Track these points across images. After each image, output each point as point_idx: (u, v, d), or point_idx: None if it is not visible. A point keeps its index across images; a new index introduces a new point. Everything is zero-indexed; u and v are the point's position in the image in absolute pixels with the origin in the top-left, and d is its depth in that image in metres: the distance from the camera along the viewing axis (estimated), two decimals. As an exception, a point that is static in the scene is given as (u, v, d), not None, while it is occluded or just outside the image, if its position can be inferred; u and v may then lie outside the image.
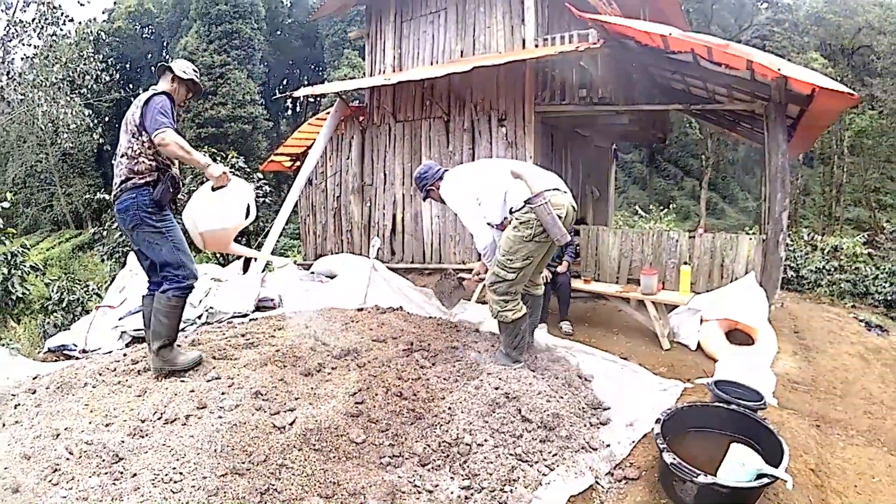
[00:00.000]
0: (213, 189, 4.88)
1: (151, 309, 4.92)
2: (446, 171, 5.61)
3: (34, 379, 5.44)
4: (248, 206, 4.99)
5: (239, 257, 12.45)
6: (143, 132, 4.72)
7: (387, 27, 11.71)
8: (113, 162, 5.02)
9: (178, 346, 5.07)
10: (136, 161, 4.74)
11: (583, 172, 12.92)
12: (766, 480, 3.29)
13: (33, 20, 25.98)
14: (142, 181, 4.72)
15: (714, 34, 7.43)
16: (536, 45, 9.74)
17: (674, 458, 3.40)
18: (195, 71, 5.24)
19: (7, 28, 25.57)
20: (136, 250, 5.13)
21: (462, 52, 10.78)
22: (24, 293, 10.61)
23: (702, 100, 9.73)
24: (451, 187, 5.40)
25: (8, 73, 26.53)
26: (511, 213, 5.08)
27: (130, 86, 34.22)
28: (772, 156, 7.58)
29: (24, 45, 26.71)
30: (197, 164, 4.79)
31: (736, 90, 8.31)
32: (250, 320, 7.35)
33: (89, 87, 25.94)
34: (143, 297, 5.08)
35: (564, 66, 9.63)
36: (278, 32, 50.83)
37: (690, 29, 7.97)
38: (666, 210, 21.56)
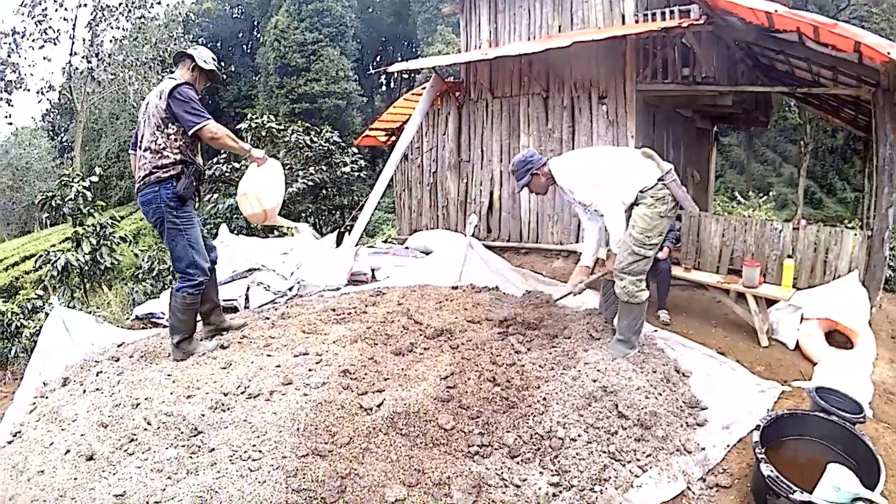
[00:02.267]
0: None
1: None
2: (548, 159, 5.53)
3: (119, 346, 5.60)
4: None
5: (333, 230, 12.66)
6: (170, 124, 4.77)
7: (482, 2, 11.51)
8: (132, 153, 5.11)
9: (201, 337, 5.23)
10: (160, 155, 4.80)
11: (684, 155, 12.47)
12: (861, 504, 3.12)
13: (120, 4, 26.79)
14: (166, 175, 4.79)
15: (812, 13, 7.04)
16: (637, 21, 9.41)
17: (771, 471, 3.31)
18: (215, 60, 5.25)
19: (94, 13, 26.40)
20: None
21: (560, 27, 10.49)
22: (112, 263, 10.95)
23: (806, 82, 9.26)
24: (580, 178, 5.30)
25: (97, 54, 27.45)
26: (642, 192, 5.07)
27: (222, 63, 34.98)
28: (879, 146, 7.11)
29: (112, 28, 27.59)
30: (243, 150, 5.10)
31: (842, 73, 7.84)
32: (342, 294, 7.41)
33: (180, 65, 26.73)
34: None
35: (666, 43, 9.26)
36: (369, 10, 51.01)
37: (791, 7, 7.58)
38: (764, 197, 20.90)
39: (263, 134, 15.02)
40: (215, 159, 14.89)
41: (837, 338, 6.60)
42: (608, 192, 5.12)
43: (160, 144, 4.78)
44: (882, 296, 8.55)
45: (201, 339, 5.30)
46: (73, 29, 27.60)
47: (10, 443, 4.08)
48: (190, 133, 4.73)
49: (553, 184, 5.45)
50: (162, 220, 4.86)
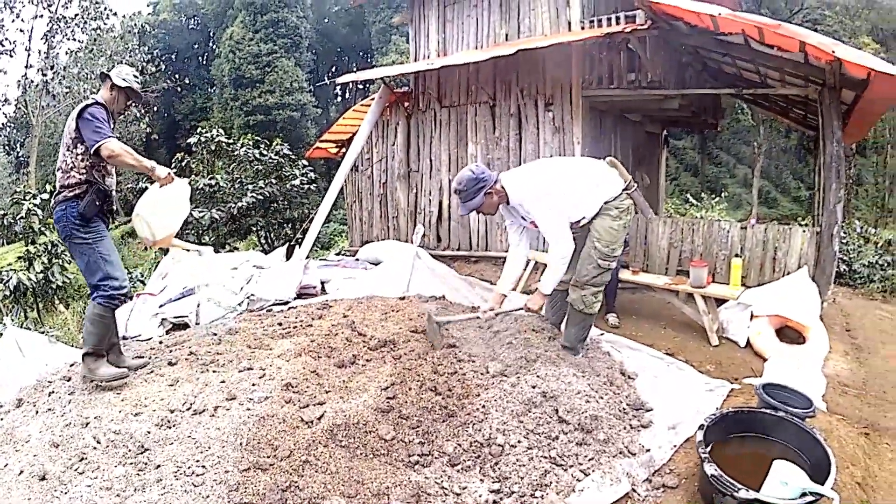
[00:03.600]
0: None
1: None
2: (499, 174, 5.11)
3: (71, 366, 5.56)
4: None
5: (283, 244, 12.56)
6: (78, 144, 4.75)
7: (430, 12, 11.54)
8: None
9: (105, 357, 4.94)
10: (68, 175, 4.80)
11: (632, 159, 12.53)
12: (810, 498, 3.11)
13: (76, 16, 26.54)
14: (71, 194, 4.76)
15: (763, 16, 7.11)
16: (583, 28, 9.48)
17: (715, 470, 3.26)
18: (136, 77, 5.13)
19: (50, 24, 26.10)
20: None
21: (507, 35, 10.55)
22: (64, 282, 10.78)
23: (754, 84, 9.36)
24: (531, 187, 4.90)
25: (52, 66, 27.15)
26: (607, 203, 4.99)
27: (177, 76, 34.96)
28: (826, 144, 7.21)
29: (68, 39, 27.33)
30: (144, 168, 4.95)
31: (789, 74, 7.92)
32: (290, 308, 7.41)
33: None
34: None
35: (612, 49, 9.35)
36: (325, 20, 51.36)
37: (741, 10, 7.65)
38: (718, 198, 21.16)
39: (213, 148, 14.86)
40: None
41: (789, 334, 6.66)
42: (561, 217, 4.86)
43: (69, 164, 4.78)
44: (835, 290, 8.67)
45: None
46: (30, 41, 27.27)
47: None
48: (91, 151, 4.68)
49: (505, 201, 5.04)
50: (70, 237, 4.83)
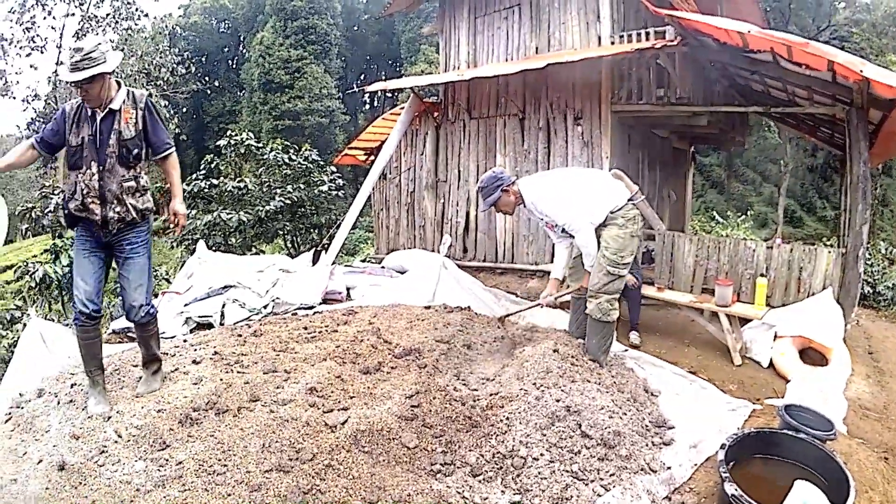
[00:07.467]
0: None
1: None
2: (517, 178, 5.56)
3: None
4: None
5: (310, 248, 12.62)
6: None
7: (461, 23, 11.64)
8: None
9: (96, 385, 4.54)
10: None
11: (660, 175, 12.55)
12: (828, 521, 3.10)
13: (108, 15, 26.76)
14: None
15: (792, 34, 7.06)
16: (612, 43, 9.49)
17: (735, 490, 3.27)
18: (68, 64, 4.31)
19: (81, 22, 26.35)
20: None
21: (537, 48, 10.58)
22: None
23: (781, 102, 9.34)
24: (541, 189, 5.36)
25: (82, 64, 27.27)
26: (613, 212, 5.17)
27: (207, 78, 35.20)
28: (853, 164, 7.16)
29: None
30: None
31: (816, 93, 7.86)
32: (315, 313, 7.44)
33: (165, 79, 26.90)
34: None
35: (641, 64, 9.37)
36: (355, 28, 51.83)
37: (769, 28, 7.63)
38: (743, 216, 21.01)
39: (242, 151, 15.02)
40: (193, 175, 14.84)
41: (812, 355, 6.60)
42: (578, 211, 5.15)
43: None
44: (859, 312, 8.60)
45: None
46: (61, 38, 27.50)
47: (-16, 451, 4.12)
48: None
49: (521, 203, 5.47)
50: None
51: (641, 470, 3.87)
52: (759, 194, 32.56)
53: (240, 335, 6.14)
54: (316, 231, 15.74)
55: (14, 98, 28.13)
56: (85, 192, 4.34)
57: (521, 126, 10.58)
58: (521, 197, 5.41)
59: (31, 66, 29.04)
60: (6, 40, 26.59)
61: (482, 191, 5.47)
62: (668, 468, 3.96)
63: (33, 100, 29.82)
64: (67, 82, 4.63)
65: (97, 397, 4.42)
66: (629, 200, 5.20)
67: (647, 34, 8.87)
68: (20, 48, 26.92)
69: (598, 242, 5.19)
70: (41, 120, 31.61)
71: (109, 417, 4.09)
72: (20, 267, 10.88)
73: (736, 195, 32.28)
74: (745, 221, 20.45)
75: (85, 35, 26.75)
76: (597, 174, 5.83)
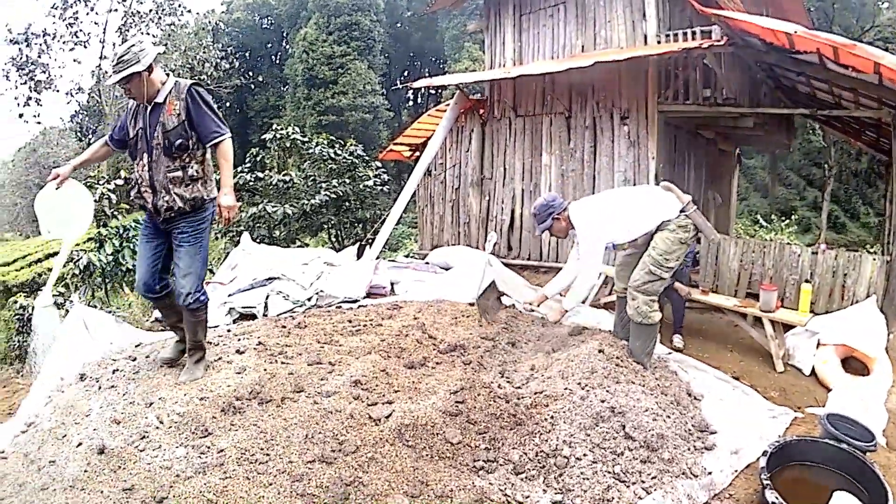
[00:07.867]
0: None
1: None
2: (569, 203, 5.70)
3: (136, 346, 5.73)
4: None
5: (354, 243, 12.73)
6: None
7: (506, 20, 11.65)
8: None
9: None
10: None
11: (705, 177, 12.46)
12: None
13: (151, 10, 27.08)
14: None
15: (836, 35, 6.97)
16: (658, 42, 9.45)
17: (776, 498, 3.30)
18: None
19: (124, 18, 26.67)
20: None
21: (583, 46, 10.56)
22: (134, 265, 11.06)
23: (827, 105, 9.22)
24: (585, 213, 5.50)
25: (126, 59, 27.56)
26: (665, 222, 5.27)
27: (250, 73, 35.50)
28: (898, 170, 7.11)
29: (142, 33, 27.86)
30: None
31: (862, 95, 7.77)
32: (359, 307, 7.48)
33: (209, 73, 27.16)
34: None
35: (687, 64, 9.34)
36: (398, 25, 51.93)
37: (813, 28, 7.55)
38: (787, 221, 20.76)
39: (288, 145, 15.17)
40: (238, 168, 15.00)
41: (854, 364, 6.49)
42: (599, 244, 5.37)
43: None
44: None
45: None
46: (104, 33, 27.83)
47: (24, 432, 4.22)
48: None
49: (571, 228, 5.58)
50: None
51: (683, 474, 3.85)
52: (803, 198, 32.05)
53: (284, 326, 6.19)
54: (360, 226, 15.83)
55: (58, 91, 28.49)
56: (139, 181, 4.64)
57: (567, 124, 10.60)
58: (571, 222, 5.55)
59: (74, 61, 29.42)
60: (49, 35, 26.93)
61: (535, 217, 5.66)
62: (709, 473, 3.94)
63: (77, 93, 30.31)
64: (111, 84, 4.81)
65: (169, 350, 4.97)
66: (681, 211, 5.26)
67: (693, 33, 8.81)
68: (63, 43, 27.26)
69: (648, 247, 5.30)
70: (84, 113, 32.06)
71: (152, 403, 4.16)
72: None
73: (780, 199, 31.82)
74: (789, 226, 20.18)
75: (128, 30, 27.11)
76: (646, 190, 5.97)
